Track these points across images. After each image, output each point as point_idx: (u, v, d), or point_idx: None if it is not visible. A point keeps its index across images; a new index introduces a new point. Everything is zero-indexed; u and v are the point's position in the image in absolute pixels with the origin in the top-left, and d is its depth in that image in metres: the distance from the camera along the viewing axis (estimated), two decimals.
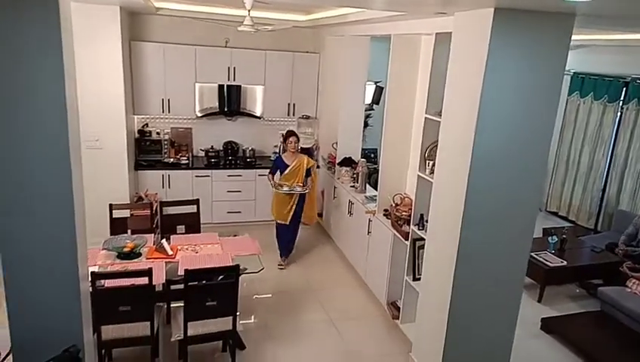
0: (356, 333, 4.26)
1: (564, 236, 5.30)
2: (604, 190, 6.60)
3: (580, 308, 4.84)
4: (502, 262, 3.26)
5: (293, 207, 5.22)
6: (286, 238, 5.43)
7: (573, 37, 2.97)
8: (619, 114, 6.37)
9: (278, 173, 5.22)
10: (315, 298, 4.80)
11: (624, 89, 6.25)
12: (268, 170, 5.36)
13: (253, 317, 4.40)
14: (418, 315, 3.80)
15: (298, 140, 5.21)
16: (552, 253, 5.11)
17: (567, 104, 7.07)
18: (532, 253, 4.81)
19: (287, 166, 5.15)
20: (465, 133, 3.03)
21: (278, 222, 5.34)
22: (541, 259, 4.95)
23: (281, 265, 5.41)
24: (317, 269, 5.42)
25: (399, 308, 4.29)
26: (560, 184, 7.31)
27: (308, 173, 5.17)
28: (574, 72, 6.90)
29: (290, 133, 5.22)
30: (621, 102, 6.31)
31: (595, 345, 4.07)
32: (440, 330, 3.38)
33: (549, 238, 5.25)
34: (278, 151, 6.56)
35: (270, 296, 4.80)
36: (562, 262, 4.96)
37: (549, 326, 4.41)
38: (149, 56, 5.80)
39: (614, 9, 2.46)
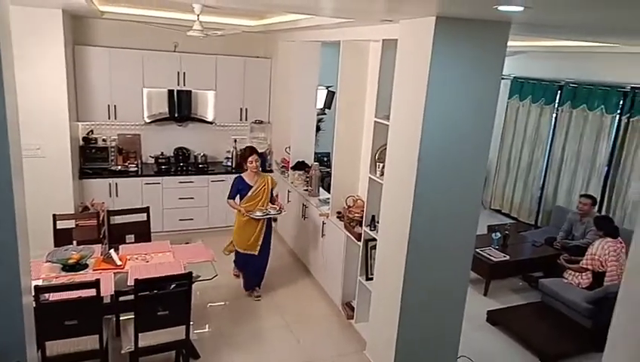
0: (312, 336, 4.30)
1: (506, 232, 5.59)
2: (542, 187, 7.01)
3: (523, 300, 5.11)
4: (449, 259, 3.41)
5: (263, 232, 4.69)
6: (255, 267, 4.82)
7: (512, 43, 3.17)
8: (554, 115, 6.79)
9: (238, 196, 4.67)
10: (271, 303, 4.80)
11: (559, 92, 6.68)
12: (228, 195, 4.67)
13: (207, 325, 4.34)
14: (371, 314, 3.89)
15: (259, 158, 4.72)
16: (496, 249, 5.37)
17: (507, 107, 7.45)
18: (477, 249, 5.04)
19: (250, 187, 4.61)
20: (411, 135, 3.15)
21: (244, 252, 4.74)
22: (485, 255, 5.19)
23: (258, 296, 4.83)
24: (272, 274, 5.40)
25: (353, 308, 4.37)
26: (502, 183, 7.69)
27: (271, 193, 4.73)
28: (514, 77, 7.29)
29: (251, 151, 4.68)
30: (556, 104, 6.72)
31: (537, 334, 4.31)
32: (392, 327, 3.48)
33: (493, 234, 5.52)
34: (230, 156, 6.51)
35: (225, 303, 4.76)
36: (505, 256, 5.22)
37: (494, 318, 4.63)
38: (94, 60, 5.61)
39: (546, 18, 2.65)
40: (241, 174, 4.70)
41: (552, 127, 6.84)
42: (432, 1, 2.33)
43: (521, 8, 2.21)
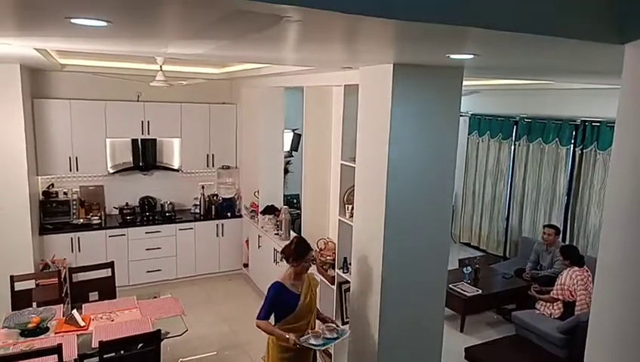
0: None
1: (477, 265, 5.65)
2: (508, 219, 7.18)
3: (499, 334, 5.11)
4: (423, 296, 3.40)
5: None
6: None
7: (468, 83, 3.33)
8: (513, 149, 7.06)
9: (273, 317, 3.15)
10: (246, 353, 4.63)
11: (514, 127, 6.98)
12: (259, 314, 3.11)
13: None
14: (349, 358, 3.80)
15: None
16: (468, 283, 5.41)
17: (468, 143, 7.70)
18: (450, 285, 5.06)
19: (298, 297, 3.16)
20: (378, 176, 3.20)
21: None
22: (459, 290, 5.22)
23: None
24: (245, 323, 5.24)
25: (330, 354, 4.26)
26: (469, 216, 7.84)
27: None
28: (472, 114, 7.58)
29: (307, 246, 3.23)
30: (513, 138, 7.01)
31: None
32: None
33: (464, 269, 5.57)
34: (198, 203, 6.41)
35: (198, 357, 4.56)
36: (478, 291, 5.26)
37: (471, 354, 4.60)
38: (54, 113, 5.51)
39: (494, 63, 2.81)
40: (280, 279, 3.18)
41: (512, 161, 7.09)
42: (387, 52, 2.44)
43: (470, 56, 2.34)
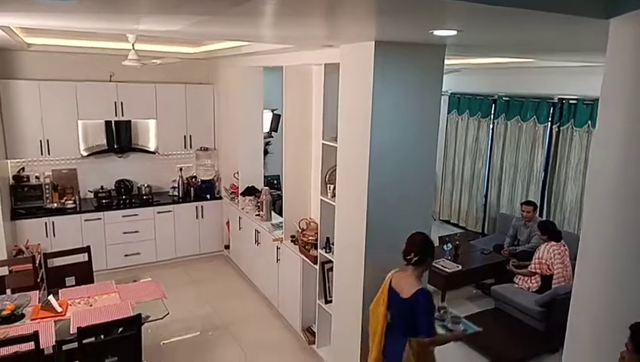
0: None
1: (457, 242, 5.73)
2: (486, 196, 7.28)
3: (478, 308, 5.22)
4: None
5: None
6: None
7: (448, 62, 3.30)
8: (491, 127, 7.11)
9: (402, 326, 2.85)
10: (229, 334, 4.62)
11: (493, 105, 7.02)
12: (430, 331, 2.73)
13: None
14: (333, 337, 3.83)
15: None
16: (449, 259, 5.49)
17: (447, 121, 7.73)
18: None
19: None
20: (360, 155, 3.17)
21: None
22: (440, 266, 5.29)
23: None
24: (228, 304, 5.24)
25: (314, 332, 4.29)
26: (449, 194, 7.93)
27: None
28: (451, 93, 7.59)
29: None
30: (492, 116, 7.06)
31: (493, 340, 4.39)
32: (354, 349, 3.44)
33: (445, 246, 5.64)
34: (177, 185, 6.28)
35: (180, 338, 4.53)
36: (458, 266, 5.34)
37: None
38: (22, 95, 5.28)
39: (477, 39, 2.78)
40: (422, 286, 2.83)
41: (490, 139, 7.15)
42: (369, 28, 2.38)
43: (454, 32, 2.30)
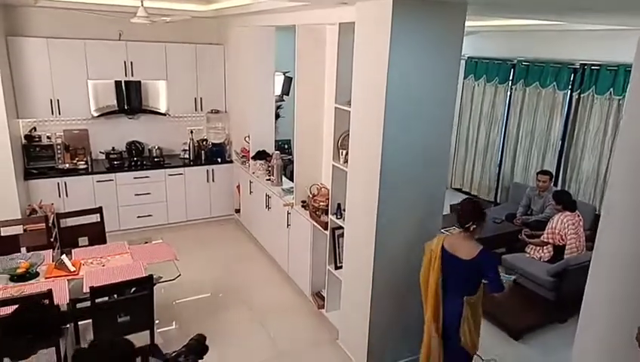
0: (283, 328, 4.22)
1: None
2: (500, 165, 7.16)
3: None
4: (418, 241, 3.39)
5: None
6: None
7: (466, 23, 3.14)
8: (509, 94, 6.91)
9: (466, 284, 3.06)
10: (239, 297, 4.68)
11: (512, 71, 6.79)
12: (499, 287, 2.91)
13: (174, 322, 4.19)
14: (342, 302, 3.85)
15: None
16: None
17: (463, 87, 7.53)
18: (442, 230, 5.06)
19: None
20: (374, 120, 3.08)
21: None
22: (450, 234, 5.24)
23: None
24: (238, 267, 5.28)
25: (324, 297, 4.32)
26: (462, 162, 7.81)
27: None
28: (468, 57, 7.35)
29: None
30: (510, 82, 6.84)
31: (504, 309, 4.38)
32: (364, 314, 3.45)
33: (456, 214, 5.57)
34: (187, 148, 6.24)
35: (192, 299, 4.60)
36: None
37: None
38: (31, 52, 5.20)
39: None
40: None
41: (507, 106, 6.96)
42: None
43: None
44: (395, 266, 3.38)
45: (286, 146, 7.10)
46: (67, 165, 5.60)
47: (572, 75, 5.98)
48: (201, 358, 2.22)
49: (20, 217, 4.69)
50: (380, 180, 3.11)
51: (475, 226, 2.94)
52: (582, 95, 5.83)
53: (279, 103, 6.95)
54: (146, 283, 3.11)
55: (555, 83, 6.18)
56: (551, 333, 4.27)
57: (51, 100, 5.38)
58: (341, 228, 3.84)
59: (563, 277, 4.34)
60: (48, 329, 2.33)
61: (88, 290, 2.98)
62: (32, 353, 2.29)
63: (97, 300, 2.98)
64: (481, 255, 2.88)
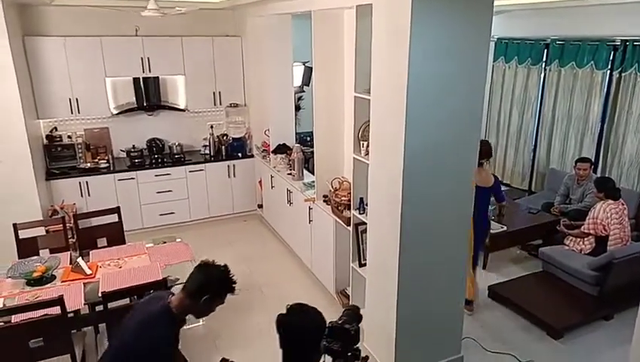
0: None
1: None
2: (534, 151, 6.77)
3: (524, 271, 4.91)
4: (445, 236, 3.17)
5: None
6: None
7: (495, 2, 2.86)
8: (542, 75, 6.50)
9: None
10: (262, 295, 4.56)
11: (545, 51, 6.38)
12: (504, 197, 4.65)
13: (200, 320, 4.09)
14: (367, 301, 3.66)
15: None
16: (493, 220, 5.13)
17: (493, 70, 7.15)
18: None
19: None
20: (396, 109, 2.85)
21: None
22: None
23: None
24: (261, 264, 5.16)
25: (348, 295, 4.14)
26: (492, 149, 7.44)
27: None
28: (498, 38, 6.96)
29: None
30: (544, 63, 6.43)
31: (542, 306, 4.12)
32: (390, 313, 3.26)
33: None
34: (208, 143, 6.14)
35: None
36: (503, 227, 4.99)
37: (495, 292, 4.44)
38: (48, 52, 5.17)
39: None
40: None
41: (541, 88, 6.56)
42: None
43: None
44: (423, 262, 3.16)
45: (308, 139, 6.89)
46: (88, 164, 5.58)
47: (612, 52, 5.54)
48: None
49: (41, 218, 4.67)
50: (404, 172, 2.88)
51: (486, 162, 4.13)
52: (623, 74, 5.40)
53: (300, 95, 6.76)
54: (160, 287, 2.99)
55: (592, 62, 5.75)
56: (594, 332, 3.96)
57: (70, 100, 5.35)
58: (364, 223, 3.64)
59: (607, 270, 4.01)
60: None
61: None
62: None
63: (111, 304, 2.88)
64: (496, 181, 4.20)
